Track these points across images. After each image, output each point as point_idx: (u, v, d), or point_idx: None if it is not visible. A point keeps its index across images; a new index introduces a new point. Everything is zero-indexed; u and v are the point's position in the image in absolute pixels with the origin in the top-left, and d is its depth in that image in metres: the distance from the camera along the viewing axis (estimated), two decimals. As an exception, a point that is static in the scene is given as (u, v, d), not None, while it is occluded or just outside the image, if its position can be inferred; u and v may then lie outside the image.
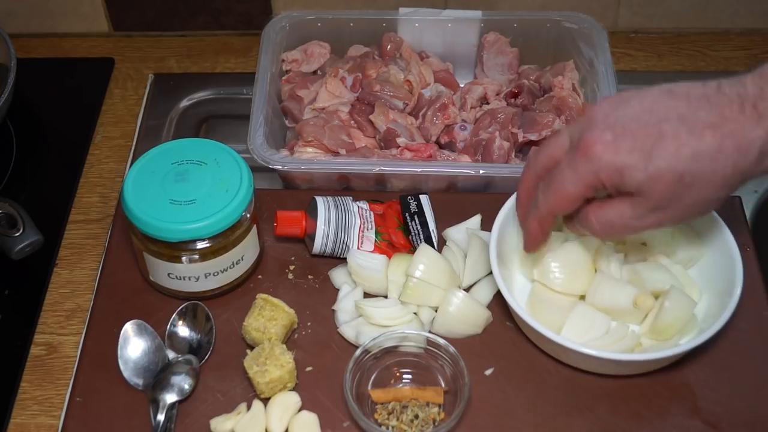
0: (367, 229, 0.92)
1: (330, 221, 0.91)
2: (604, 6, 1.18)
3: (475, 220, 0.95)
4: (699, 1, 1.16)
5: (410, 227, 0.92)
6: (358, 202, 0.93)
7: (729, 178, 0.72)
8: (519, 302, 0.84)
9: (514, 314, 0.84)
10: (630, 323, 0.85)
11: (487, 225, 0.93)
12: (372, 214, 0.93)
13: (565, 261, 0.86)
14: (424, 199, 0.94)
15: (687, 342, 0.81)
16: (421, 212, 0.93)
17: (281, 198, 0.98)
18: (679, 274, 0.87)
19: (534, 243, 0.85)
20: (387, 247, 0.92)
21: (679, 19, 1.19)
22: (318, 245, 0.91)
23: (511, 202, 0.88)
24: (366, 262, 0.90)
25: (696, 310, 0.84)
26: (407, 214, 0.93)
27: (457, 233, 0.94)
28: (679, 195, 0.73)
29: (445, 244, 0.93)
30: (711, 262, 0.88)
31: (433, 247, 0.91)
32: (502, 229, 0.88)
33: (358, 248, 0.91)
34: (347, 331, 0.87)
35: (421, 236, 0.91)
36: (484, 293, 0.90)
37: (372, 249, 0.91)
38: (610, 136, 0.73)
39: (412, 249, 0.92)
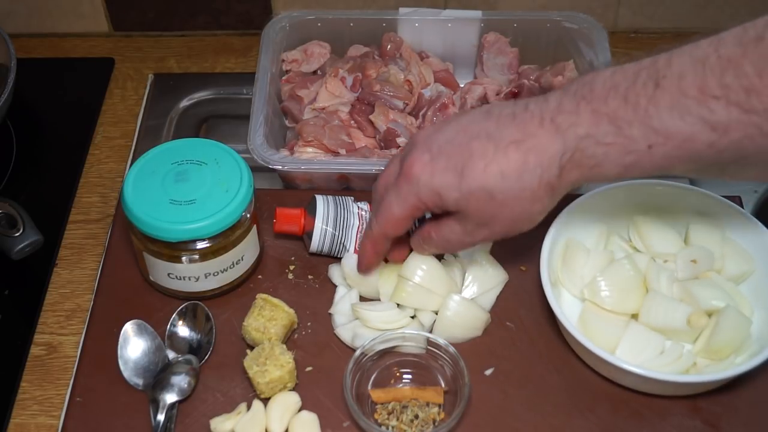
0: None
1: (329, 220, 0.91)
2: (604, 6, 1.18)
3: (486, 243, 0.93)
4: (699, 0, 1.16)
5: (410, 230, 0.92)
6: (358, 203, 0.93)
7: (537, 192, 0.74)
8: (571, 321, 0.83)
9: (566, 334, 0.84)
10: (682, 342, 0.85)
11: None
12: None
13: (615, 279, 0.86)
14: None
15: (746, 362, 0.80)
16: (421, 216, 0.92)
17: (281, 198, 0.98)
18: (731, 291, 0.86)
19: (367, 265, 0.88)
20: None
21: (679, 19, 1.19)
22: (315, 244, 0.91)
23: (561, 218, 0.88)
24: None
25: (750, 328, 0.84)
26: None
27: (462, 251, 0.92)
28: (495, 212, 0.76)
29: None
30: (762, 278, 0.87)
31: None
32: (552, 247, 0.87)
33: (355, 249, 0.91)
34: (344, 333, 0.87)
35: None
36: (486, 298, 0.90)
37: None
38: (427, 157, 0.76)
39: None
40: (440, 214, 0.81)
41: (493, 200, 0.75)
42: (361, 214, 0.92)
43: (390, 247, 0.86)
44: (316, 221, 0.91)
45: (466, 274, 0.90)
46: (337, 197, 0.93)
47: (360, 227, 0.92)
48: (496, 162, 0.73)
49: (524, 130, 0.73)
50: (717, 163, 0.69)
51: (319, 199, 0.92)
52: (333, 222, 0.91)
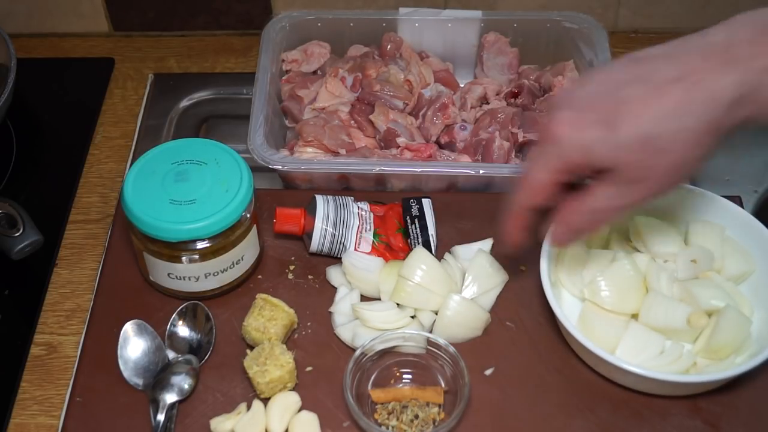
0: (366, 230, 0.92)
1: (329, 220, 0.91)
2: (604, 6, 1.18)
3: (488, 243, 0.94)
4: (699, 1, 1.16)
5: (410, 230, 0.92)
6: (358, 203, 0.93)
7: (702, 133, 0.67)
8: (571, 320, 0.83)
9: (566, 334, 0.84)
10: (682, 342, 0.85)
11: (486, 229, 0.94)
12: (372, 215, 0.93)
13: (615, 279, 0.86)
14: (426, 202, 0.94)
15: (746, 362, 0.80)
16: (422, 216, 0.92)
17: (281, 198, 0.98)
18: (731, 291, 0.86)
19: (513, 243, 0.81)
20: (384, 249, 0.92)
21: (679, 19, 1.19)
22: (315, 243, 0.91)
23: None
24: (360, 262, 0.90)
25: (750, 328, 0.84)
26: (408, 217, 0.93)
27: (463, 251, 0.93)
28: (653, 161, 0.68)
29: (447, 253, 0.93)
30: (762, 277, 0.87)
31: (430, 251, 0.90)
32: (551, 248, 0.86)
33: (355, 249, 0.91)
34: (344, 333, 0.87)
35: (420, 240, 0.91)
36: (486, 298, 0.90)
37: (369, 250, 0.91)
38: (572, 114, 0.70)
39: (409, 248, 0.92)
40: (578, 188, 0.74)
41: (650, 147, 0.67)
42: (361, 214, 0.92)
43: (537, 220, 0.78)
44: (316, 221, 0.91)
45: (466, 274, 0.90)
46: (337, 197, 0.93)
47: (360, 227, 0.92)
48: (653, 104, 0.66)
49: (685, 66, 0.66)
50: None
51: (319, 199, 0.92)
52: (333, 222, 0.91)
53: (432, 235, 0.91)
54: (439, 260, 0.90)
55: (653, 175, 0.70)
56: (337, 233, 0.91)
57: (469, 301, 0.87)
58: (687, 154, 0.68)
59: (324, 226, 0.91)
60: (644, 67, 0.68)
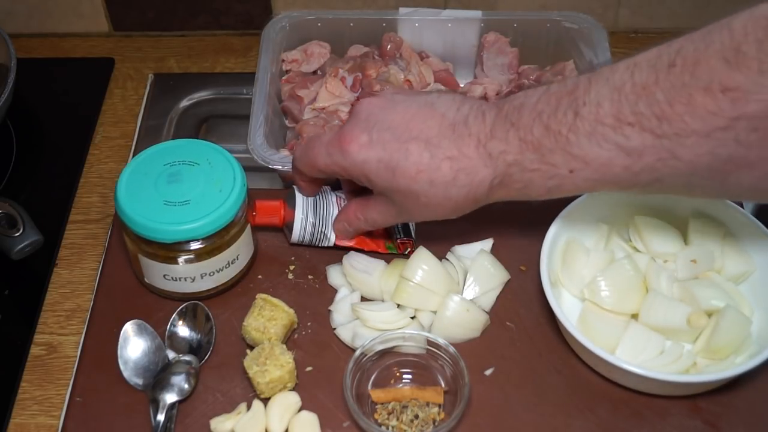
0: None
1: (308, 210, 0.91)
2: (604, 6, 1.18)
3: (488, 243, 0.94)
4: (699, 1, 1.16)
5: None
6: (337, 192, 0.94)
7: (461, 203, 0.79)
8: (571, 320, 0.83)
9: (566, 334, 0.84)
10: (682, 342, 0.85)
11: (486, 229, 0.94)
12: None
13: (615, 279, 0.86)
14: None
15: (746, 362, 0.80)
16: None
17: (277, 197, 0.98)
18: (731, 291, 0.86)
19: (302, 188, 0.92)
20: (364, 235, 0.92)
21: (679, 19, 1.19)
22: (297, 234, 0.92)
23: (561, 218, 0.88)
24: (360, 264, 0.90)
25: (750, 328, 0.84)
26: None
27: (464, 251, 0.93)
28: (418, 208, 0.81)
29: (449, 252, 0.93)
30: (762, 277, 0.87)
31: (411, 237, 0.91)
32: (551, 247, 0.87)
33: (336, 237, 0.91)
34: (343, 333, 0.87)
35: (399, 224, 0.92)
36: (487, 298, 0.90)
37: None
38: (365, 139, 0.80)
39: (389, 238, 0.93)
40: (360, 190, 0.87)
41: (417, 200, 0.80)
42: (339, 202, 0.93)
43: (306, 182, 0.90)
44: (296, 212, 0.91)
45: (468, 275, 0.90)
46: None
47: None
48: (428, 171, 0.78)
49: (460, 148, 0.77)
50: (636, 185, 0.73)
51: (298, 190, 0.93)
52: (313, 212, 0.91)
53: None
54: (441, 260, 0.90)
55: (415, 215, 0.83)
56: (317, 222, 0.91)
57: (468, 302, 0.87)
58: (446, 213, 0.81)
59: (304, 216, 0.91)
60: (434, 128, 0.78)
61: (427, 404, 0.82)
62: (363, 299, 0.90)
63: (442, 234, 0.93)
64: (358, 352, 0.83)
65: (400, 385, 0.85)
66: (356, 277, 0.90)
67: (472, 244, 0.93)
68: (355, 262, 0.91)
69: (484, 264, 0.90)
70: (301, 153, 0.87)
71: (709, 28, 0.68)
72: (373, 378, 0.85)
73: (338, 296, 0.91)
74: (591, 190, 0.78)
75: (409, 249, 0.92)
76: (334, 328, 0.88)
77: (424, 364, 0.85)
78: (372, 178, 0.80)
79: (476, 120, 0.77)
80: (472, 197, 0.79)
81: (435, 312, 0.87)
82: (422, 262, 0.87)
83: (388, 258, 0.92)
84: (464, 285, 0.90)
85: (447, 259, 0.92)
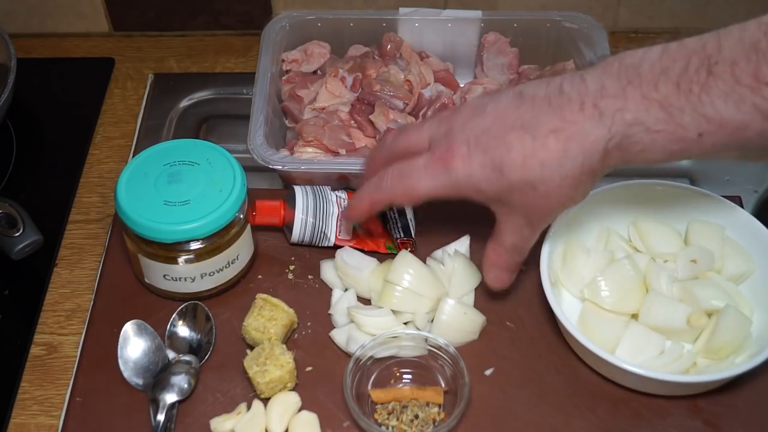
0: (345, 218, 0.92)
1: (308, 210, 0.91)
2: (604, 6, 1.18)
3: (464, 241, 0.93)
4: (699, 1, 1.16)
5: (388, 215, 0.92)
6: (336, 192, 0.94)
7: (579, 178, 0.73)
8: (571, 320, 0.83)
9: (566, 334, 0.84)
10: (682, 342, 0.85)
11: (486, 228, 0.94)
12: None
13: (615, 279, 0.86)
14: None
15: (746, 362, 0.80)
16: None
17: (277, 197, 0.98)
18: (731, 291, 0.86)
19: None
20: (364, 234, 0.92)
21: (679, 19, 1.19)
22: (296, 234, 0.92)
23: (561, 219, 0.88)
24: (352, 260, 0.90)
25: (750, 328, 0.84)
26: None
27: (441, 253, 0.93)
28: (540, 201, 0.75)
29: (428, 257, 0.93)
30: (762, 277, 0.87)
31: (411, 236, 0.91)
32: (551, 248, 0.87)
33: (336, 237, 0.91)
34: (338, 336, 0.87)
35: (399, 225, 0.92)
36: (469, 299, 0.90)
37: (350, 237, 0.92)
38: (465, 150, 0.75)
39: (389, 238, 0.92)
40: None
41: (536, 191, 0.74)
42: (339, 202, 0.93)
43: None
44: (296, 212, 0.91)
45: (451, 276, 0.90)
46: (315, 187, 0.94)
47: (339, 215, 0.92)
48: (535, 153, 0.72)
49: (562, 116, 0.71)
50: (760, 149, 0.69)
51: (298, 190, 0.93)
52: (313, 212, 0.91)
53: (410, 219, 0.92)
54: (424, 262, 0.90)
55: (543, 212, 0.77)
56: (317, 222, 0.91)
57: (465, 305, 0.87)
58: (567, 195, 0.75)
59: (304, 216, 0.91)
60: (528, 111, 0.73)
61: (427, 404, 0.82)
62: (358, 299, 0.90)
63: (433, 234, 0.93)
64: (358, 352, 0.83)
65: (400, 385, 0.85)
66: (347, 272, 0.90)
67: (450, 245, 0.93)
68: (348, 257, 0.91)
69: (461, 265, 0.90)
70: (393, 182, 0.80)
71: None
72: (373, 378, 0.85)
73: (334, 298, 0.90)
74: (714, 156, 0.71)
75: (409, 249, 0.92)
76: (332, 331, 0.88)
77: (424, 364, 0.85)
78: (483, 188, 0.75)
79: (573, 85, 0.72)
80: (588, 168, 0.72)
81: (428, 314, 0.87)
82: (408, 266, 0.87)
83: (381, 257, 0.92)
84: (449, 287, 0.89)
85: (431, 261, 0.91)
